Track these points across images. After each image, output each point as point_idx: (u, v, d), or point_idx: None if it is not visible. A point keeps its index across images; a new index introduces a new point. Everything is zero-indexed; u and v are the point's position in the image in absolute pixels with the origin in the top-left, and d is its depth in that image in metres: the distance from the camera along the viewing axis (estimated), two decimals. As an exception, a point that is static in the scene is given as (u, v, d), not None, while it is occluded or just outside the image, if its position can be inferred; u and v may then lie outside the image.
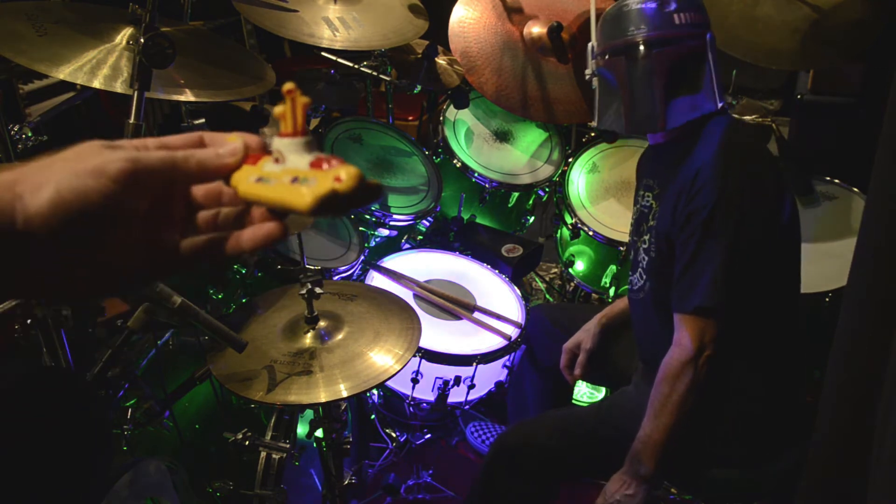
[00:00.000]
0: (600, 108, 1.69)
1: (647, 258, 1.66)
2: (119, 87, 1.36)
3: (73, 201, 0.48)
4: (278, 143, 0.50)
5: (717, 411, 1.57)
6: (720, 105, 1.57)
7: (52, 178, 0.49)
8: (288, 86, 0.49)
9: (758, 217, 1.47)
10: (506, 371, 2.01)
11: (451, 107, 2.61)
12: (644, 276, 1.67)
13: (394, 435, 2.18)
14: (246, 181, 0.52)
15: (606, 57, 1.62)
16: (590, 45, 1.69)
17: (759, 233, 1.47)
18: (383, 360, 1.42)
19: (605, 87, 1.67)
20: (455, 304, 2.06)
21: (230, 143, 0.55)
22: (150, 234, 0.53)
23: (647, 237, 1.66)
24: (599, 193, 2.56)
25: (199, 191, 0.55)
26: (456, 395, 1.95)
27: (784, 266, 1.58)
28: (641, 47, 1.53)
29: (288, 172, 0.48)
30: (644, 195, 1.70)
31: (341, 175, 0.45)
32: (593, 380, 2.31)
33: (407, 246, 2.50)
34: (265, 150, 0.53)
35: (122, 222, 0.51)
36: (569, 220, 2.49)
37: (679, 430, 1.49)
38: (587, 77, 1.73)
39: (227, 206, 0.55)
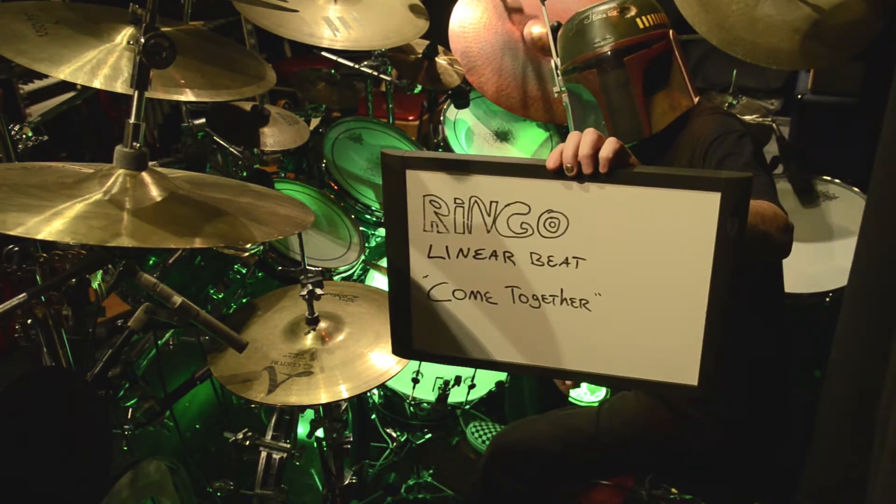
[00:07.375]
0: (577, 123, 1.67)
1: None
2: (119, 86, 1.35)
3: None
4: None
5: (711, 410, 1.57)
6: (696, 100, 1.55)
7: None
8: None
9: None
10: (506, 371, 2.01)
11: (452, 107, 2.61)
12: None
13: (394, 435, 2.17)
14: None
15: (576, 72, 1.59)
16: (552, 62, 1.66)
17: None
18: (384, 361, 1.42)
19: (579, 103, 1.64)
20: (455, 304, 2.06)
21: None
22: None
23: None
24: (599, 193, 2.56)
25: None
26: (456, 395, 1.95)
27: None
28: (612, 57, 1.51)
29: None
30: None
31: None
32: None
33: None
34: None
35: None
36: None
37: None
38: (556, 95, 1.71)
39: None
